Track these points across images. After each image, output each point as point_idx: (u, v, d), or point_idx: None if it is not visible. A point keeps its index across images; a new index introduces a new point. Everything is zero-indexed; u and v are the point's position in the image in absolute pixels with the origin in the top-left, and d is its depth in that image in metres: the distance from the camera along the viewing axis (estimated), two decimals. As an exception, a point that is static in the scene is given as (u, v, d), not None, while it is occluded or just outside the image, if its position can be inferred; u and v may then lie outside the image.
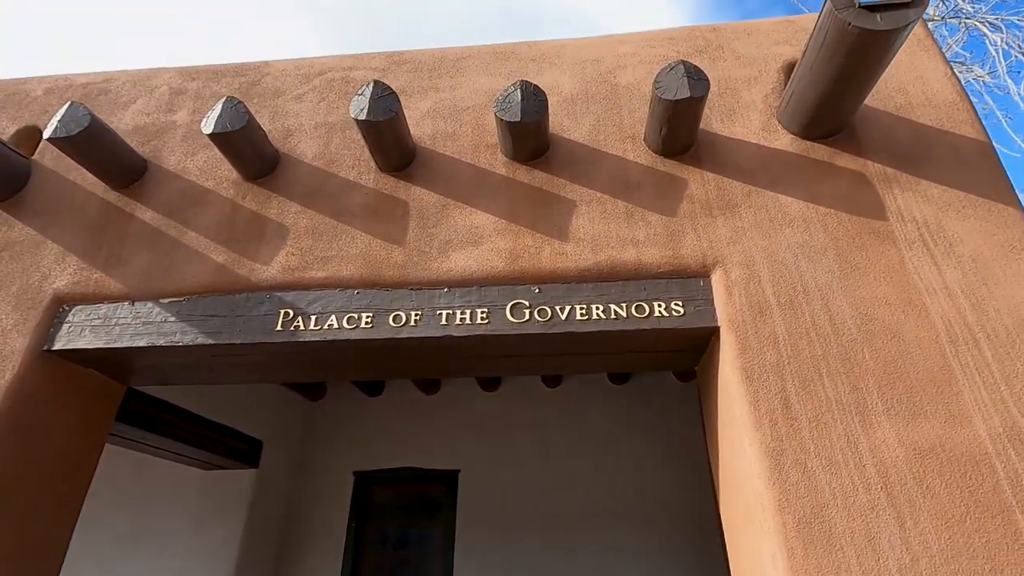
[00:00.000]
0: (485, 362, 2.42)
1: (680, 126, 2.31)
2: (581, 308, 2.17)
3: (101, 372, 2.60)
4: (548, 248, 2.30)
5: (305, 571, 5.19)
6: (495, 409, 5.78)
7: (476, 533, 5.23)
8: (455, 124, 2.67)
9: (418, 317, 2.23)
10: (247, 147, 2.48)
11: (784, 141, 2.43)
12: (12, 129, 2.92)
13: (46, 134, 2.38)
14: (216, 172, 2.67)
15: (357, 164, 2.62)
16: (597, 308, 2.16)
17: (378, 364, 2.43)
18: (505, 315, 2.20)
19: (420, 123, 2.69)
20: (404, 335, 2.21)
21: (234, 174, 2.65)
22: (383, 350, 2.27)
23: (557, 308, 2.19)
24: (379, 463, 5.60)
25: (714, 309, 2.12)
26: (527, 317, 2.19)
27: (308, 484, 5.56)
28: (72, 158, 2.50)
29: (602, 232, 2.31)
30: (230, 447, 4.74)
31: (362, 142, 2.65)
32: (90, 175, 2.73)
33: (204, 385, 3.21)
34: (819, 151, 2.39)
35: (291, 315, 2.29)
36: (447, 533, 5.26)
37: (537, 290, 2.24)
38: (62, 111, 2.40)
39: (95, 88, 3.03)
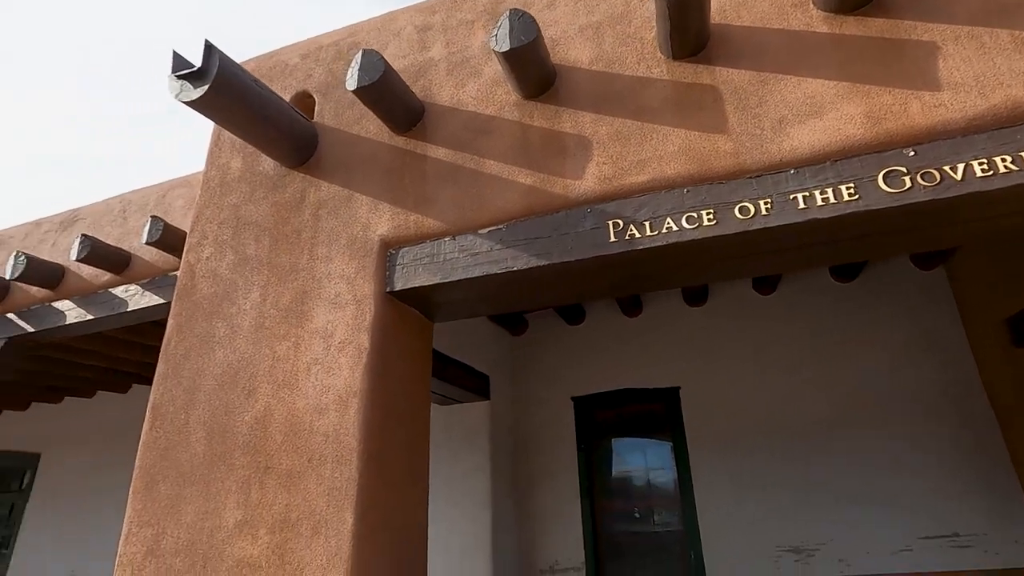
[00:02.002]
0: (857, 243, 2.18)
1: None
2: (980, 164, 1.85)
3: (420, 309, 2.75)
4: (916, 102, 1.97)
5: (545, 493, 5.51)
6: (705, 324, 5.58)
7: (705, 448, 5.18)
8: (745, -10, 2.36)
9: (768, 205, 2.04)
10: (535, 61, 2.37)
11: None
12: (286, 98, 3.07)
13: (350, 85, 2.44)
14: (493, 98, 2.61)
15: (642, 58, 2.41)
16: (1004, 160, 1.82)
17: (724, 262, 2.29)
18: (878, 186, 1.94)
19: (703, -2, 2.40)
20: (757, 226, 2.03)
21: (512, 96, 2.58)
22: (733, 245, 2.12)
23: (947, 168, 1.88)
24: (595, 387, 5.70)
25: None
26: (907, 185, 1.91)
27: (531, 413, 5.83)
28: (369, 105, 2.56)
29: (987, 70, 1.92)
30: (466, 382, 5.04)
31: (639, 34, 2.44)
32: (370, 126, 2.81)
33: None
34: None
35: (621, 225, 2.21)
36: (677, 449, 5.26)
37: (912, 152, 1.94)
38: (358, 60, 2.43)
39: (344, 44, 3.09)
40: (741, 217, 2.06)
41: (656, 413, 5.50)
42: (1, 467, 8.06)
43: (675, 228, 2.13)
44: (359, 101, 2.82)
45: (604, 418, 5.67)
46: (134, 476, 2.54)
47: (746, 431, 5.13)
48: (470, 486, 5.09)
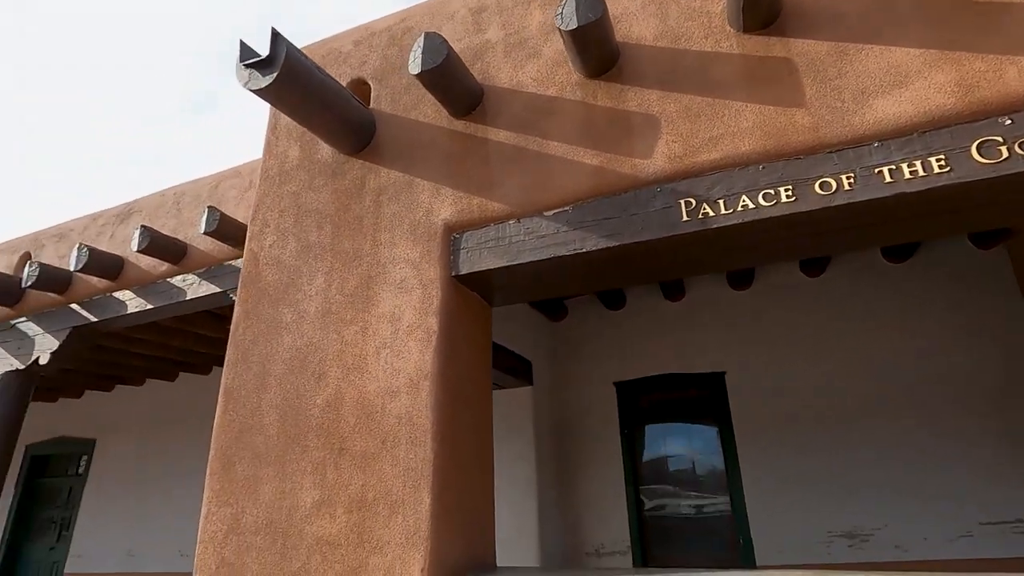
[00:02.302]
0: (946, 216, 2.11)
1: None
2: (1085, 130, 1.76)
3: (481, 293, 2.76)
4: (1012, 68, 1.88)
5: (589, 478, 5.52)
6: (751, 307, 5.48)
7: (752, 432, 5.12)
8: (820, -43, 2.27)
9: (851, 180, 1.98)
10: (601, 39, 2.33)
11: None
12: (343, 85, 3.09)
13: (413, 69, 2.43)
14: (554, 78, 2.58)
15: (710, 33, 2.36)
16: (1112, 125, 1.73)
17: (801, 239, 2.24)
18: (971, 157, 1.86)
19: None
20: (840, 202, 1.98)
21: (573, 76, 2.55)
22: (812, 222, 2.07)
23: (1048, 136, 1.79)
24: (638, 372, 5.66)
25: None
26: (1004, 155, 1.83)
27: (573, 399, 5.83)
28: (431, 90, 2.56)
29: (1092, 32, 1.82)
30: (511, 367, 5.06)
31: (705, 8, 2.38)
32: (428, 111, 2.81)
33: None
34: None
35: (693, 204, 2.17)
36: (723, 434, 5.22)
37: (1009, 121, 1.86)
38: (421, 44, 2.43)
39: (398, 29, 3.08)
40: (822, 193, 2.01)
41: (700, 398, 5.45)
42: (59, 452, 8.41)
43: (751, 206, 2.08)
44: (415, 87, 2.83)
45: (647, 403, 5.64)
46: (211, 457, 2.62)
47: (795, 416, 5.05)
48: (516, 472, 5.12)
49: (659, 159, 2.27)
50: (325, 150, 2.99)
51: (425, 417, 2.28)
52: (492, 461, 2.70)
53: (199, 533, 2.49)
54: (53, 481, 8.41)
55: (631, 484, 5.37)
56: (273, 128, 3.23)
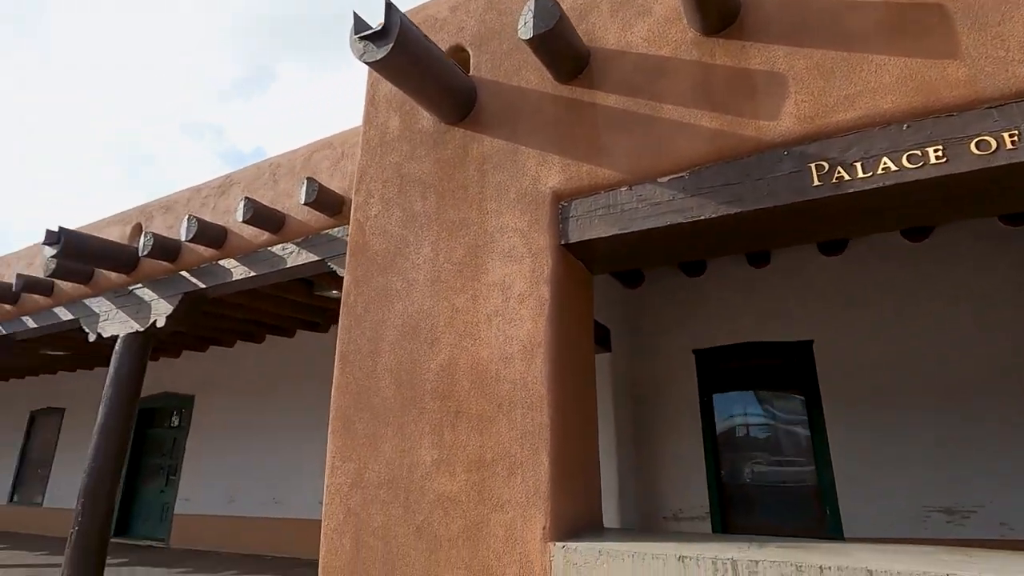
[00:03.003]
0: None
1: None
2: None
3: (585, 261, 2.75)
4: None
5: (666, 444, 5.54)
6: (842, 274, 5.23)
7: (841, 403, 4.95)
8: None
9: (1015, 138, 1.82)
10: (724, -8, 2.21)
11: None
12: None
13: (524, 35, 2.39)
14: (667, 37, 2.48)
15: (846, -20, 2.18)
16: None
17: (950, 203, 2.10)
18: None
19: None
20: (1001, 162, 1.82)
21: (688, 34, 2.44)
22: (965, 185, 1.93)
23: None
24: (718, 340, 5.56)
25: None
26: None
27: (651, 366, 5.81)
28: (540, 55, 2.52)
29: None
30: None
31: (840, -48, 2.19)
32: (531, 76, 2.77)
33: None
34: None
35: (826, 167, 2.06)
36: (810, 403, 5.08)
37: None
38: (532, 7, 2.37)
39: (495, -8, 3.02)
40: (979, 153, 1.86)
41: (786, 367, 5.30)
42: (163, 407, 9.19)
43: (893, 168, 1.96)
44: (516, 51, 2.79)
45: (728, 371, 5.54)
46: (331, 416, 2.79)
47: (887, 387, 4.84)
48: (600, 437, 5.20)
49: (787, 120, 2.16)
50: (426, 120, 3.02)
51: (540, 383, 2.33)
52: (596, 427, 2.75)
53: (325, 485, 2.69)
54: (159, 432, 9.24)
55: (710, 451, 5.35)
56: (372, 99, 3.28)
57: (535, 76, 2.75)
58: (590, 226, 2.47)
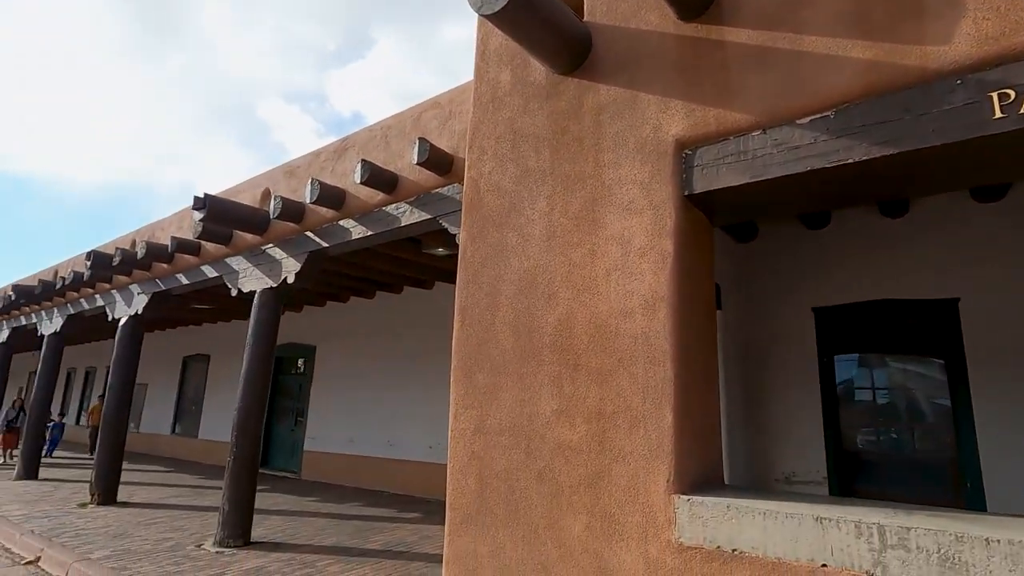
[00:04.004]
0: None
1: None
2: None
3: (706, 212, 2.63)
4: None
5: (779, 405, 5.30)
6: (997, 225, 4.58)
7: (990, 368, 4.43)
8: None
9: None
10: None
11: None
12: (551, 0, 2.99)
13: (648, -30, 2.25)
14: (811, -42, 2.22)
15: None
16: None
17: None
18: None
19: None
20: None
21: (837, -48, 2.16)
22: None
23: None
24: (842, 298, 5.14)
25: None
26: None
27: (764, 324, 5.52)
28: (664, -7, 2.36)
29: None
30: (699, 291, 4.87)
31: None
32: (651, 17, 2.61)
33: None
34: None
35: (1012, 96, 1.78)
36: (952, 367, 4.59)
37: None
38: (657, -62, 2.22)
39: (610, -73, 2.85)
40: None
41: (922, 327, 4.81)
42: (290, 356, 10.17)
43: (1106, 92, 1.65)
44: (636, -10, 2.63)
45: (852, 331, 5.13)
46: (452, 366, 2.94)
47: (1051, 351, 4.25)
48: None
49: (961, 43, 1.88)
50: (538, 72, 2.97)
51: (663, 338, 2.30)
52: (717, 383, 2.68)
53: (450, 429, 2.87)
54: (287, 378, 10.29)
55: (830, 414, 5.05)
56: (482, 54, 3.27)
57: (655, 16, 2.59)
58: (717, 175, 2.34)
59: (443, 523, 5.98)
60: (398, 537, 5.43)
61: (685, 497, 2.12)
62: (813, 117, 2.14)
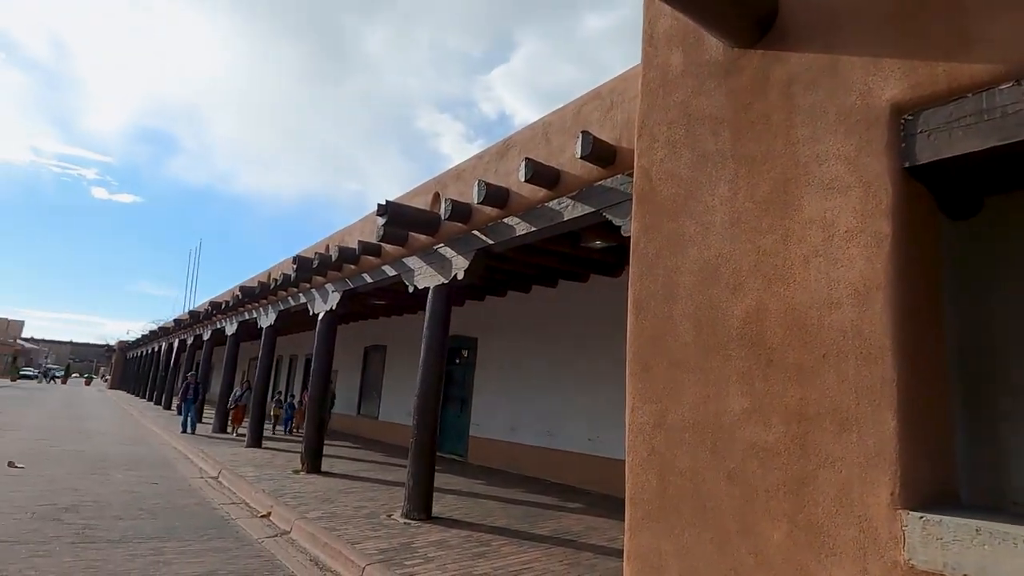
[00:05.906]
0: None
1: None
2: None
3: (929, 186, 2.25)
4: None
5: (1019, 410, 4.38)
6: None
7: None
8: None
9: None
10: None
11: None
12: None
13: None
14: None
15: None
16: None
17: None
18: None
19: None
20: None
21: None
22: None
23: None
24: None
25: None
26: None
27: (993, 313, 4.61)
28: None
29: None
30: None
31: None
32: (853, -33, 2.30)
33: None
34: None
35: None
36: None
37: None
38: None
39: None
40: None
41: None
42: (455, 347, 10.91)
43: None
44: (834, -60, 2.34)
45: None
46: (628, 359, 2.91)
47: None
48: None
49: None
50: (714, 49, 2.79)
51: (880, 332, 2.02)
52: (947, 382, 2.31)
53: (627, 423, 2.84)
54: (454, 367, 11.07)
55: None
56: (649, 39, 3.17)
57: (861, -35, 2.28)
58: (950, 141, 1.99)
59: (607, 516, 5.97)
60: (564, 525, 5.55)
61: (917, 514, 1.85)
62: (1095, 57, 1.71)
